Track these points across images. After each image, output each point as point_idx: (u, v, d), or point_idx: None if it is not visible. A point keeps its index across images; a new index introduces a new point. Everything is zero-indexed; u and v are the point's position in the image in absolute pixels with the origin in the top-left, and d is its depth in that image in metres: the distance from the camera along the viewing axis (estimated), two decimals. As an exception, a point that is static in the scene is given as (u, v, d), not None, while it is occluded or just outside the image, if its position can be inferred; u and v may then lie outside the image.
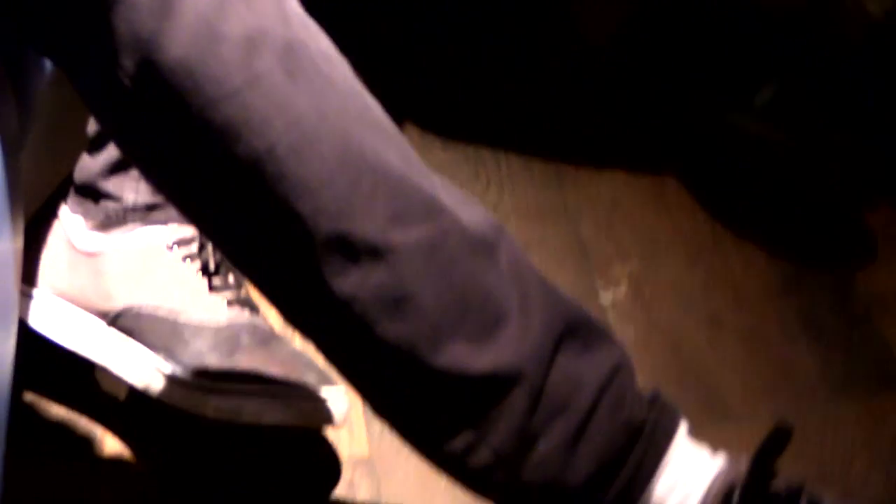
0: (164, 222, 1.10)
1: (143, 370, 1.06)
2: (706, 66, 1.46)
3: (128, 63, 0.77)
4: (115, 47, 0.77)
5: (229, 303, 1.09)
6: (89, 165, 1.10)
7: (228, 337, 1.06)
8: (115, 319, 1.07)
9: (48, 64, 0.87)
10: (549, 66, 1.51)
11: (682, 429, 0.87)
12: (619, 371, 0.86)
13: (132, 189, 1.10)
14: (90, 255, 1.09)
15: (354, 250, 0.81)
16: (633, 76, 1.50)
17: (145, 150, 0.83)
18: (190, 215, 0.85)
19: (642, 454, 0.85)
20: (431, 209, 0.82)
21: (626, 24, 1.54)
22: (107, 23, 0.77)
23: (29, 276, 1.10)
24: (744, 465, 0.85)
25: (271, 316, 1.09)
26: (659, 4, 1.52)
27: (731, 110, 1.43)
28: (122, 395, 1.08)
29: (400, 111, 1.39)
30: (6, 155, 0.82)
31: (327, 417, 1.05)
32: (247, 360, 1.05)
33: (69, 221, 1.10)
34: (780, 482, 0.85)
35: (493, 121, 1.45)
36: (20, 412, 0.83)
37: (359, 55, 0.87)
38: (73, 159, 1.11)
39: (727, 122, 1.43)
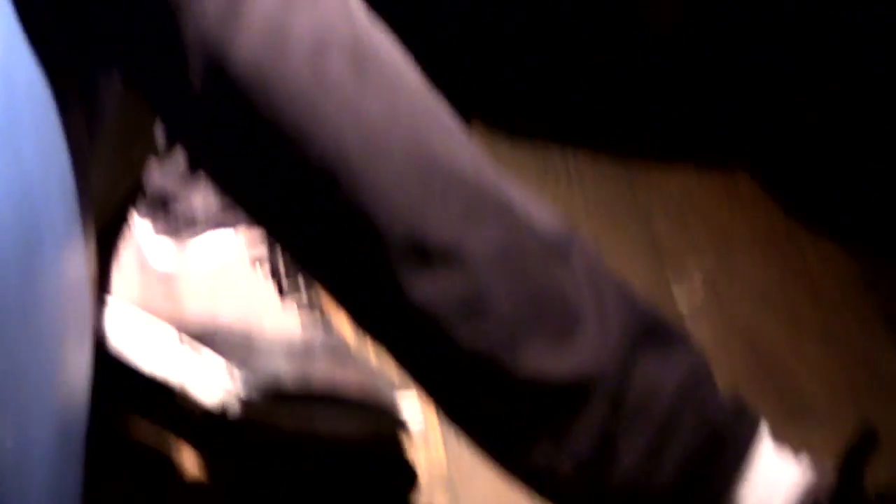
0: (233, 225, 1.10)
1: (219, 385, 1.05)
2: (775, 54, 1.44)
3: (197, 67, 0.77)
4: (184, 52, 0.76)
5: (300, 307, 1.08)
6: (159, 172, 1.10)
7: (303, 349, 1.06)
8: (189, 332, 1.07)
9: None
10: (613, 57, 1.50)
11: (764, 434, 0.86)
12: (698, 374, 0.84)
13: (201, 195, 1.10)
14: (162, 265, 1.10)
15: (427, 252, 0.80)
16: (699, 66, 1.48)
17: (215, 154, 0.82)
18: (259, 219, 0.84)
19: (726, 461, 0.83)
20: (503, 209, 0.81)
21: (691, 12, 1.53)
22: (175, 28, 0.76)
23: (101, 284, 1.10)
24: (830, 470, 0.83)
25: (342, 321, 1.09)
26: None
27: (803, 100, 1.42)
28: (197, 409, 1.08)
29: (466, 108, 1.39)
30: (77, 164, 0.82)
31: (403, 428, 1.04)
32: (321, 373, 1.04)
33: (140, 228, 1.11)
34: (871, 490, 0.83)
35: (560, 116, 1.44)
36: (97, 424, 0.83)
37: (424, 51, 0.86)
38: (143, 166, 1.11)
39: (799, 113, 1.41)
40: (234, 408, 1.04)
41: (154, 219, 1.10)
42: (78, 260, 0.79)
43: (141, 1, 0.76)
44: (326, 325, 1.09)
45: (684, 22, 1.52)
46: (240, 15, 0.76)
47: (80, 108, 0.84)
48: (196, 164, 1.03)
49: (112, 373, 1.05)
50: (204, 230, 1.10)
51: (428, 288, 0.80)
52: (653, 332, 0.84)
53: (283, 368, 1.04)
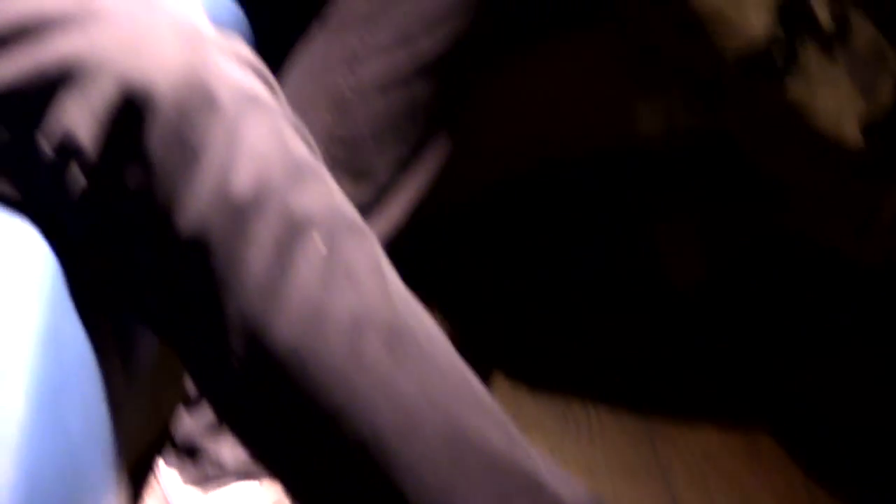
0: (260, 477, 1.10)
1: None
2: (796, 318, 1.46)
3: (236, 343, 0.79)
4: (225, 328, 0.79)
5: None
6: (188, 422, 1.11)
7: None
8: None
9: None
10: (635, 313, 1.52)
11: None
12: None
13: (229, 445, 1.10)
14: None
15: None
16: (721, 324, 1.50)
17: (249, 425, 0.84)
18: (285, 482, 0.85)
19: None
20: (534, 488, 0.82)
21: (714, 270, 1.55)
22: (217, 305, 0.79)
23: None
24: None
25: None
26: (749, 252, 1.52)
27: (822, 361, 1.43)
28: None
29: (490, 363, 1.41)
30: (115, 419, 0.83)
31: None
32: None
33: (167, 478, 1.11)
34: None
35: (582, 370, 1.45)
36: None
37: (449, 308, 0.88)
38: (170, 411, 1.12)
39: (822, 376, 1.42)
40: None
41: (182, 468, 1.11)
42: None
43: (185, 274, 0.79)
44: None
45: (707, 279, 1.55)
46: (280, 294, 0.78)
47: (118, 363, 0.86)
48: (224, 422, 1.04)
49: None
50: (231, 481, 1.10)
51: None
52: None
53: None
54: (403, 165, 1.12)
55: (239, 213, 0.76)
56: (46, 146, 0.77)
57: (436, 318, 0.87)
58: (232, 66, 0.78)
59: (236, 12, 1.10)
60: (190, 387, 1.10)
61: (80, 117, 0.76)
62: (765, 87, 1.21)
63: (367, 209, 1.10)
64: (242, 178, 0.76)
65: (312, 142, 0.83)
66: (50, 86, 0.76)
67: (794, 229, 1.42)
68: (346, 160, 1.10)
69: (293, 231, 0.78)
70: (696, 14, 1.19)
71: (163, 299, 0.80)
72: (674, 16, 1.21)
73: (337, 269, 0.79)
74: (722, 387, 1.44)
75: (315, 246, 0.78)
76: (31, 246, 0.79)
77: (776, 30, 1.20)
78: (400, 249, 1.06)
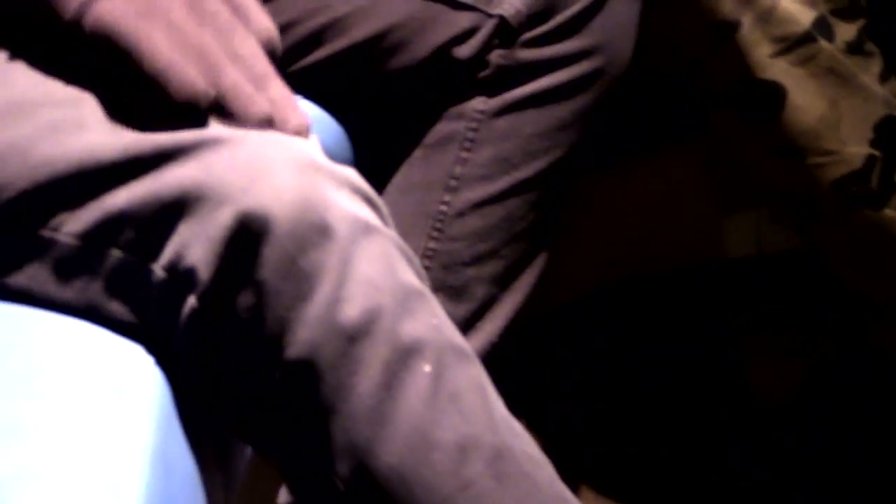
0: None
1: None
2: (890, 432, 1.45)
3: (342, 468, 0.80)
4: (331, 453, 0.80)
5: None
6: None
7: None
8: None
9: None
10: (723, 427, 1.51)
11: None
12: None
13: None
14: None
15: None
16: (812, 440, 1.48)
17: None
18: None
19: None
20: None
21: (806, 383, 1.54)
22: (324, 428, 0.80)
23: None
24: None
25: None
26: (842, 369, 1.51)
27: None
28: None
29: (578, 476, 1.41)
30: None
31: None
32: None
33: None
34: None
35: (671, 486, 1.45)
36: None
37: (537, 417, 0.88)
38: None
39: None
40: None
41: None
42: None
43: (293, 397, 0.80)
44: None
45: (798, 392, 1.54)
46: (387, 419, 0.79)
47: (220, 480, 0.87)
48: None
49: None
50: None
51: None
52: None
53: None
54: (500, 282, 1.14)
55: (348, 340, 0.78)
56: (159, 268, 0.79)
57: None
58: (344, 194, 0.79)
59: (340, 132, 1.13)
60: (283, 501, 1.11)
61: (194, 242, 0.77)
62: (860, 208, 1.21)
63: (464, 327, 1.11)
64: (353, 306, 0.77)
65: (419, 264, 0.85)
66: (166, 212, 0.78)
67: (884, 345, 1.41)
68: (443, 279, 1.12)
69: (401, 357, 0.79)
70: (791, 135, 1.20)
71: (270, 420, 0.81)
72: (768, 136, 1.21)
73: (443, 394, 0.80)
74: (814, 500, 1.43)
75: (422, 372, 0.79)
76: (141, 366, 0.81)
77: (872, 150, 1.20)
78: (495, 363, 1.07)
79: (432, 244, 1.12)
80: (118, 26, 0.78)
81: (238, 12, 0.82)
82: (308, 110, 1.09)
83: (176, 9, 0.79)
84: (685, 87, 1.28)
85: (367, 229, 0.79)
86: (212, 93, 0.79)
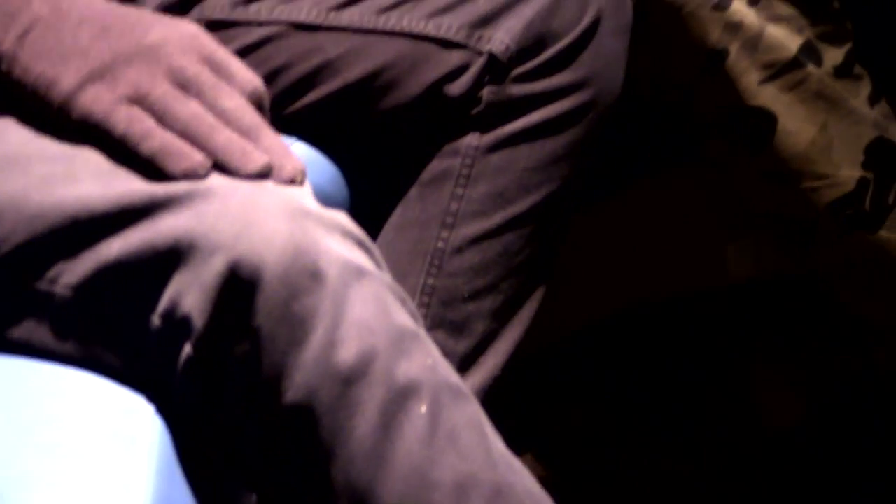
0: None
1: None
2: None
3: (342, 509, 0.80)
4: (332, 496, 0.80)
5: None
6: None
7: None
8: None
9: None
10: (728, 450, 1.51)
11: None
12: None
13: None
14: None
15: None
16: (820, 465, 1.48)
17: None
18: None
19: None
20: None
21: (814, 406, 1.54)
22: (323, 471, 0.80)
23: None
24: None
25: None
26: (849, 394, 1.51)
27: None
28: None
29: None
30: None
31: None
32: None
33: None
34: None
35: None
36: None
37: (541, 450, 0.88)
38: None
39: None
40: None
41: None
42: None
43: (291, 441, 0.81)
44: None
45: (806, 416, 1.54)
46: (385, 461, 0.79)
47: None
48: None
49: None
50: None
51: None
52: None
53: None
54: (500, 317, 1.14)
55: (344, 383, 0.78)
56: (156, 317, 0.80)
57: (525, 463, 0.88)
58: (335, 238, 0.80)
59: (335, 172, 1.14)
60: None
61: (189, 290, 0.78)
62: (855, 231, 1.21)
63: (466, 362, 1.12)
64: (348, 349, 0.78)
65: (412, 305, 0.85)
66: (160, 261, 0.79)
67: (886, 368, 1.42)
68: (443, 315, 1.12)
69: (397, 398, 0.79)
70: (784, 160, 1.21)
71: (270, 464, 0.82)
72: (760, 162, 1.22)
73: (440, 434, 0.80)
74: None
75: (418, 412, 0.80)
76: (142, 414, 0.82)
77: (865, 172, 1.21)
78: (493, 397, 1.07)
79: (431, 281, 1.13)
80: (107, 115, 0.80)
81: (220, 71, 0.83)
82: (302, 151, 1.10)
83: (159, 85, 0.81)
84: (677, 116, 1.29)
85: (358, 273, 0.80)
86: (208, 163, 0.80)
